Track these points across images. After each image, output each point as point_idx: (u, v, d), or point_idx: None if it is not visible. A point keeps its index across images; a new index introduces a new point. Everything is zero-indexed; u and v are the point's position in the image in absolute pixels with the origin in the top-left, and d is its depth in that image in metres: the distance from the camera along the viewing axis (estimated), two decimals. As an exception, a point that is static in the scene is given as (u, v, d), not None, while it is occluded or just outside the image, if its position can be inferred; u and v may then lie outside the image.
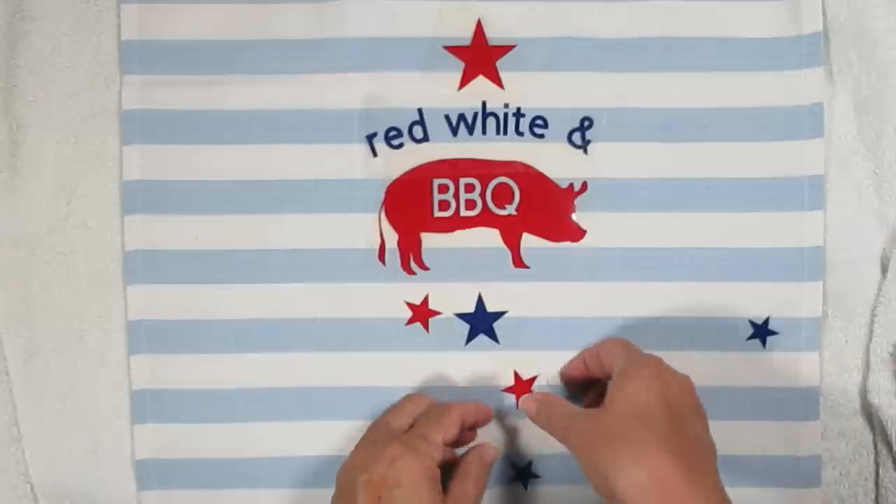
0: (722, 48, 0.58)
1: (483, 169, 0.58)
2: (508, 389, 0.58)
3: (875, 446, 0.58)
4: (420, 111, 0.58)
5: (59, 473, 0.59)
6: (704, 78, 0.58)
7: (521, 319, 0.58)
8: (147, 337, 0.58)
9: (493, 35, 0.58)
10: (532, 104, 0.58)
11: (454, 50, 0.58)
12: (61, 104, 0.59)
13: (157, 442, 0.58)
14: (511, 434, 0.58)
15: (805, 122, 0.58)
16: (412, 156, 0.58)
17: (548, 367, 0.58)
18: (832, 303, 0.58)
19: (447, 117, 0.58)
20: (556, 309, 0.58)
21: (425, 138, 0.58)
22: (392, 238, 0.58)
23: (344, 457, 0.50)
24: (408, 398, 0.56)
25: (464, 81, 0.58)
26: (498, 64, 0.58)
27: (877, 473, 0.58)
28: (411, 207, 0.58)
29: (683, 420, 0.45)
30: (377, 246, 0.58)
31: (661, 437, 0.43)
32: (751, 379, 0.58)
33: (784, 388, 0.58)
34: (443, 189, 0.58)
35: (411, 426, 0.52)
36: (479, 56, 0.58)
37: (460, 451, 0.54)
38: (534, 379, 0.58)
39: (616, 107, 0.58)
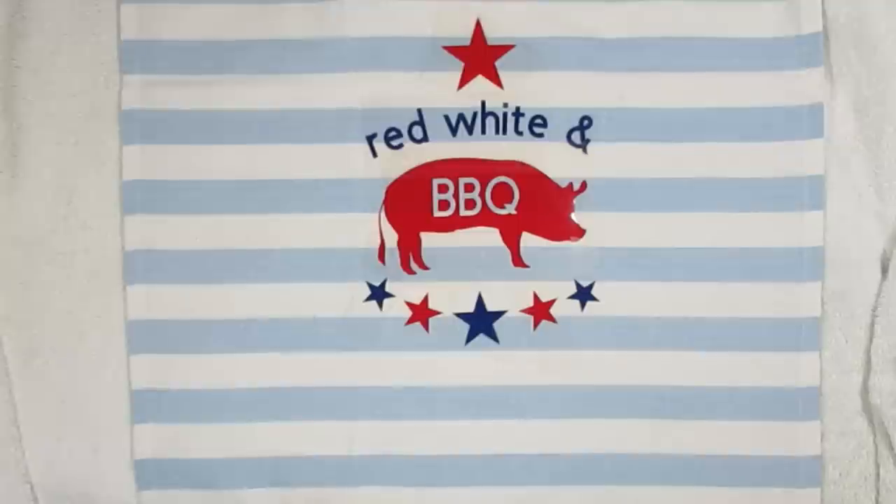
0: (722, 48, 0.58)
1: (482, 168, 0.58)
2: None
3: (875, 446, 0.58)
4: (419, 111, 0.58)
5: (59, 473, 0.59)
6: (704, 78, 0.58)
7: (521, 319, 0.58)
8: (147, 337, 0.58)
9: (493, 35, 0.58)
10: (531, 104, 0.58)
11: (453, 50, 0.58)
12: (61, 104, 0.59)
13: (157, 442, 0.58)
14: None
15: (805, 122, 0.58)
16: (412, 156, 0.58)
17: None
18: (832, 303, 0.58)
19: (447, 117, 0.58)
20: (555, 308, 0.58)
21: (425, 138, 0.58)
22: (392, 238, 0.58)
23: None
24: None
25: (463, 81, 0.58)
26: (497, 64, 0.58)
27: (877, 474, 0.58)
28: (411, 207, 0.58)
29: None
30: (377, 246, 0.58)
31: None
32: (751, 379, 0.58)
33: (784, 388, 0.58)
34: (442, 189, 0.58)
35: None
36: (479, 56, 0.58)
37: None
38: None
39: (616, 106, 0.58)
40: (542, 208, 0.58)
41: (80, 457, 0.59)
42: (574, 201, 0.58)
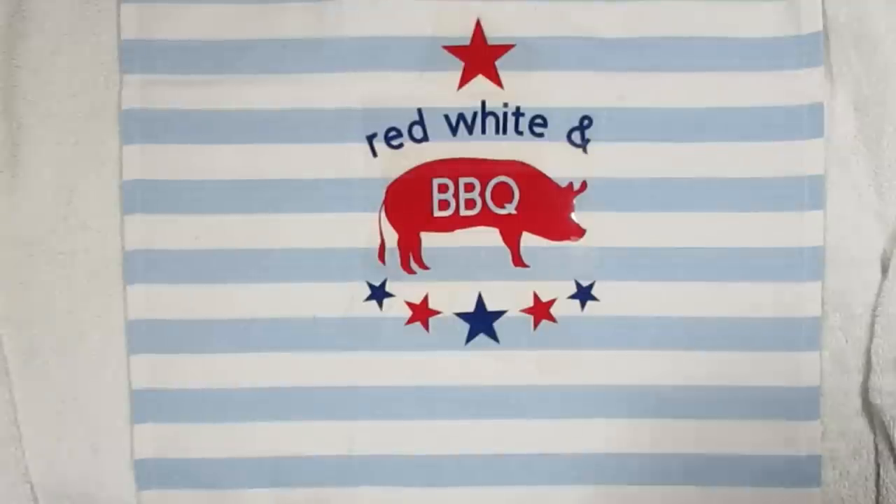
0: (722, 48, 0.58)
1: (483, 168, 0.58)
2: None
3: (876, 446, 0.58)
4: (420, 111, 0.58)
5: (59, 473, 0.59)
6: (704, 78, 0.58)
7: (521, 318, 0.58)
8: (147, 337, 0.58)
9: (493, 34, 0.58)
10: (531, 103, 0.58)
11: (453, 49, 0.58)
12: (61, 104, 0.59)
13: (157, 442, 0.58)
14: None
15: (805, 122, 0.58)
16: (412, 156, 0.58)
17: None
18: (832, 303, 0.58)
19: (447, 117, 0.58)
20: (555, 308, 0.58)
21: (425, 138, 0.58)
22: (392, 238, 0.58)
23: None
24: None
25: (463, 81, 0.58)
26: (497, 63, 0.58)
27: (877, 473, 0.58)
28: (411, 207, 0.58)
29: None
30: (377, 245, 0.58)
31: None
32: (751, 379, 0.58)
33: (784, 388, 0.58)
34: (442, 188, 0.58)
35: None
36: (479, 55, 0.58)
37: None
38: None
39: (616, 106, 0.58)
40: (543, 208, 0.58)
41: (80, 457, 0.59)
42: (574, 201, 0.58)
